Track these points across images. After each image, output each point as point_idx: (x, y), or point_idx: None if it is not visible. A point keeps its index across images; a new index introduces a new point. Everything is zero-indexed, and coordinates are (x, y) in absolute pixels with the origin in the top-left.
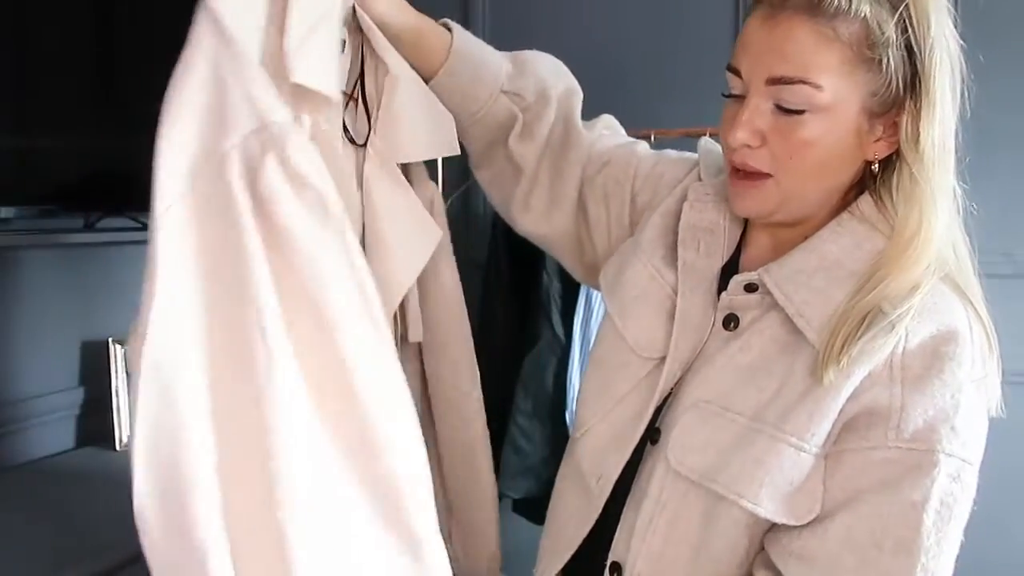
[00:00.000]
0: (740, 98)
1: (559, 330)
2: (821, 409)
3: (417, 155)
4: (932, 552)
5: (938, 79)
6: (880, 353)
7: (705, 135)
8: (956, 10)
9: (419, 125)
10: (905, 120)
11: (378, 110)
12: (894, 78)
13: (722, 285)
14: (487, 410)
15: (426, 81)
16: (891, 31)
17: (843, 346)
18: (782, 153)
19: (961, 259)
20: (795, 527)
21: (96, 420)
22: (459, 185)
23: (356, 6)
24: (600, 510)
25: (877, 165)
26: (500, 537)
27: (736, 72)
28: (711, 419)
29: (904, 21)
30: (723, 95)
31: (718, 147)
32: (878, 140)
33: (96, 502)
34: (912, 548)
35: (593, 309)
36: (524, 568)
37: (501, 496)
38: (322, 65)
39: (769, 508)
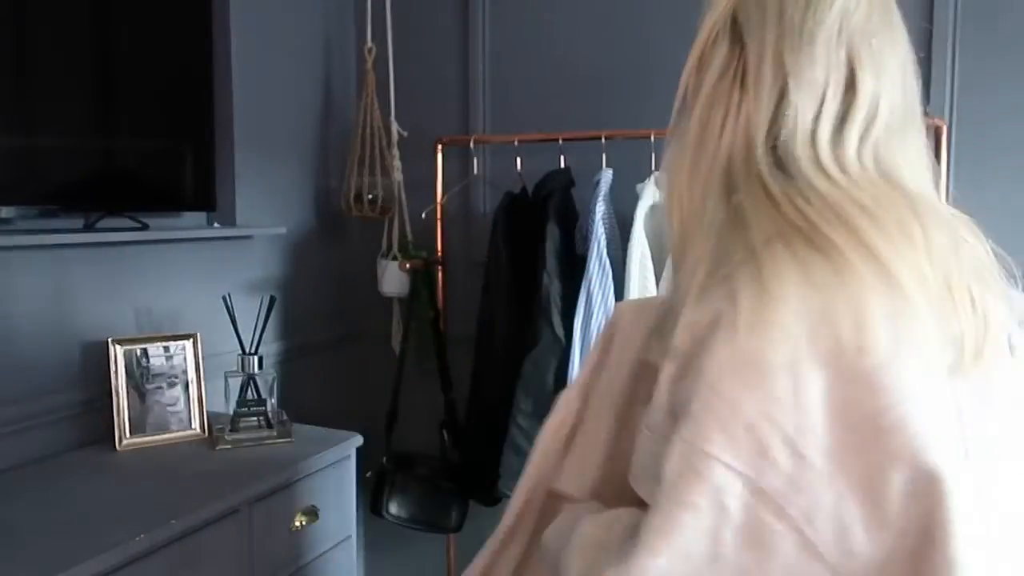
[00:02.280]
0: None
1: (559, 331)
2: None
3: None
4: None
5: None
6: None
7: None
8: (956, 17)
9: None
10: None
11: None
12: None
13: None
14: (487, 410)
15: None
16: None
17: None
18: None
19: None
20: None
21: (96, 420)
22: (459, 183)
23: None
24: None
25: None
26: None
27: None
28: None
29: None
30: None
31: None
32: None
33: (96, 502)
34: None
35: (593, 310)
36: None
37: (502, 496)
38: None
39: None
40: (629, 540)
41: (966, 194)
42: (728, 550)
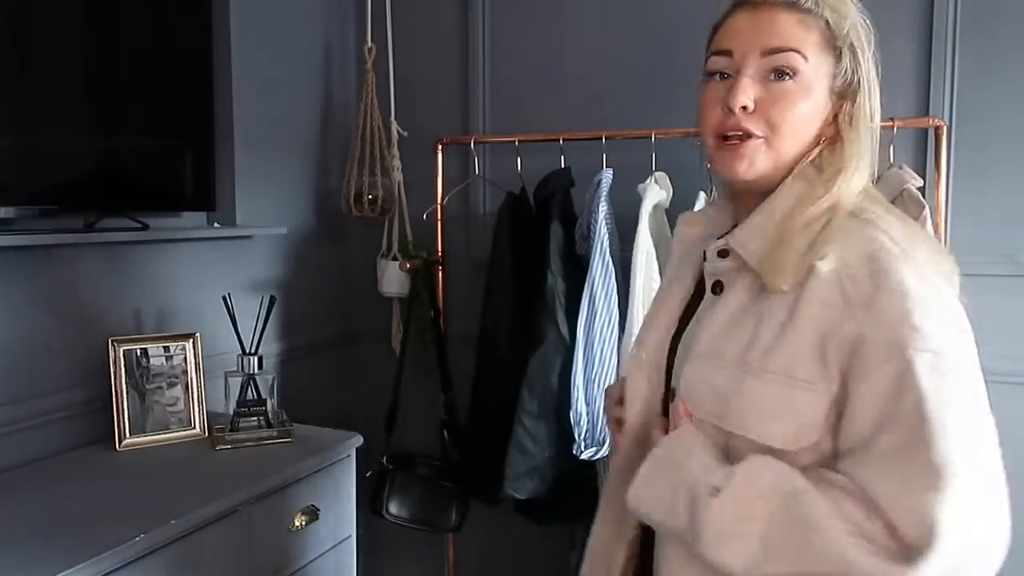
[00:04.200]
0: (723, 80)
1: (564, 330)
2: (794, 345)
3: None
4: (950, 429)
5: (872, 80)
6: (816, 277)
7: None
8: (956, 17)
9: None
10: (848, 108)
11: None
12: (848, 69)
13: None
14: (490, 411)
15: None
16: (845, 33)
17: (779, 264)
18: (775, 116)
19: (876, 203)
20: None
21: (96, 420)
22: (459, 183)
23: None
24: None
25: (822, 144)
26: (504, 537)
27: (726, 53)
28: (706, 367)
29: (852, 30)
30: (707, 75)
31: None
32: (828, 124)
33: (96, 502)
34: (929, 433)
35: (597, 310)
36: (524, 567)
37: (505, 497)
38: None
39: (776, 439)
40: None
41: (965, 193)
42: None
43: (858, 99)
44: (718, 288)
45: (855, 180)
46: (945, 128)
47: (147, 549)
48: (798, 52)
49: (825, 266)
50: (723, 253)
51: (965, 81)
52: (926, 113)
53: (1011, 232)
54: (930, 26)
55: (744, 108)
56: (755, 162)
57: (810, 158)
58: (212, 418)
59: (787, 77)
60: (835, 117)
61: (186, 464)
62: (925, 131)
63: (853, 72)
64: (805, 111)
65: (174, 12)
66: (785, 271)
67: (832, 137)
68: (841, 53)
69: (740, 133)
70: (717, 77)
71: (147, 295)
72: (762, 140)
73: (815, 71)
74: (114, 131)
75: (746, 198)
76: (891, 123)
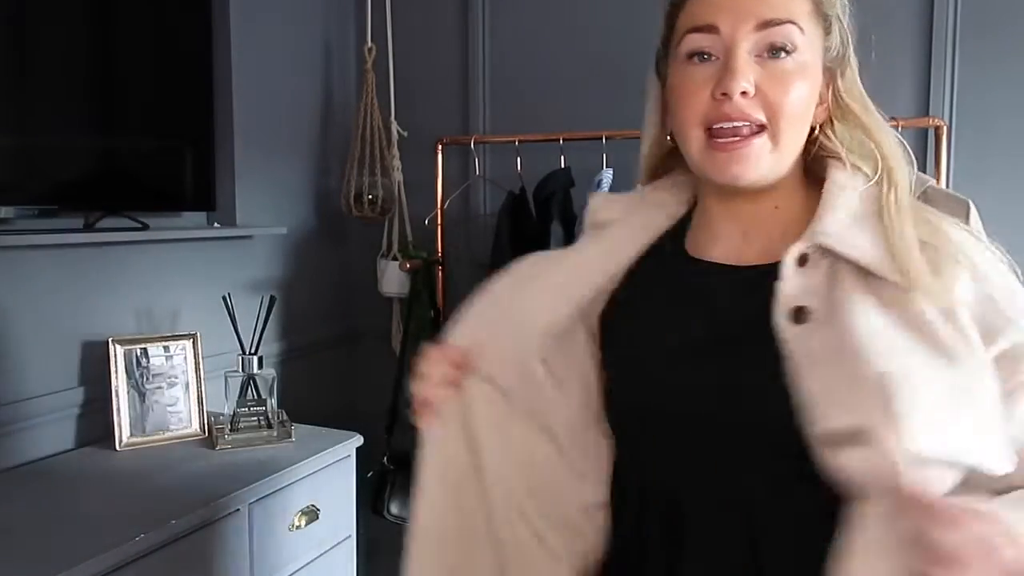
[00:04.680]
0: (706, 62)
1: None
2: (976, 361)
3: None
4: None
5: (852, 53)
6: (954, 276)
7: None
8: (956, 17)
9: None
10: (840, 84)
11: None
12: (837, 41)
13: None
14: None
15: None
16: (833, 3)
17: (921, 271)
18: (775, 97)
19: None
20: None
21: (96, 420)
22: (459, 185)
23: None
24: None
25: (818, 130)
26: None
27: (709, 28)
28: (935, 411)
29: (838, 2)
30: (685, 57)
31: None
32: (819, 104)
33: (96, 502)
34: None
35: None
36: None
37: None
38: None
39: (998, 463)
40: None
41: (965, 193)
42: None
43: (847, 72)
44: (802, 316)
45: (905, 160)
46: (945, 128)
47: (147, 549)
48: (795, 24)
49: (964, 272)
50: (804, 259)
51: (965, 81)
52: (926, 113)
53: (1011, 233)
54: (930, 27)
55: (744, 93)
56: (758, 167)
57: (840, 150)
58: (212, 418)
59: (784, 54)
60: (821, 97)
61: (186, 464)
62: (925, 131)
63: (842, 43)
64: (805, 92)
65: (174, 12)
66: (929, 277)
67: (824, 121)
68: (831, 23)
69: (737, 124)
70: (696, 59)
71: (147, 295)
72: (766, 138)
73: (810, 45)
74: (114, 131)
75: (736, 193)
76: (893, 123)
